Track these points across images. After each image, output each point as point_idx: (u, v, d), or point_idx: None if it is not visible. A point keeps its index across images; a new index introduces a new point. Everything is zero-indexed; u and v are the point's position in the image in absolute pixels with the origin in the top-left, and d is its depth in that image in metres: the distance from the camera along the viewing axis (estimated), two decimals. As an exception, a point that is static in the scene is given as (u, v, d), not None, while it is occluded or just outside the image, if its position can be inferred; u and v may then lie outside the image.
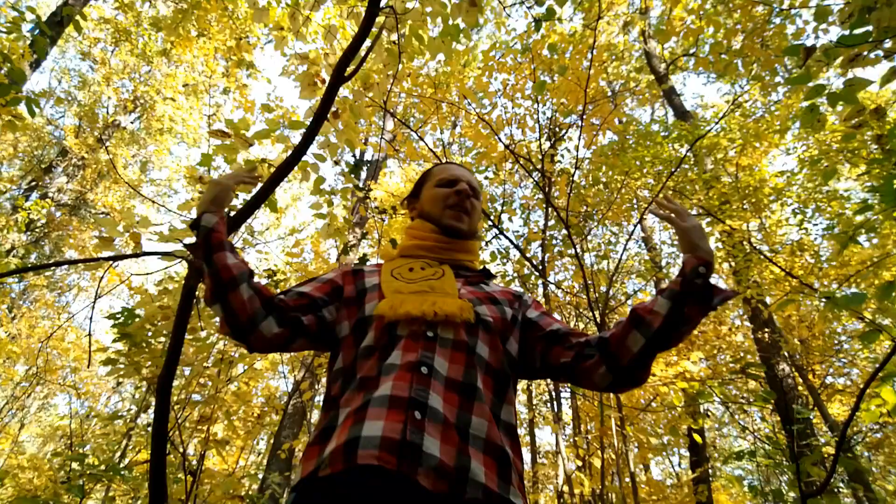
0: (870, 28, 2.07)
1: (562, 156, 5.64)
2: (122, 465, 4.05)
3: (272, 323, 0.90)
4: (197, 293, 2.25)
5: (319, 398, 6.29)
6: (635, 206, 6.12)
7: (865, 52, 2.11)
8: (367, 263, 1.13)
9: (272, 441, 6.91)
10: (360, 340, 0.87)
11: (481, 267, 1.14)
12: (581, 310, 5.65)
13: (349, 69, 2.00)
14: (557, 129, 5.67)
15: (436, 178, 1.16)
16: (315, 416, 6.38)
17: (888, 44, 2.11)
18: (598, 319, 4.20)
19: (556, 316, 1.08)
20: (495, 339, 0.89)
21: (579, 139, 4.37)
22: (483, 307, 0.92)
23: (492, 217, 4.60)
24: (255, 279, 0.95)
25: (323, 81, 2.26)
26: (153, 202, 5.02)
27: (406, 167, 9.10)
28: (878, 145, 5.25)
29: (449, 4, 2.17)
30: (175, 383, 2.57)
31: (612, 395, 3.87)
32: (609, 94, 7.12)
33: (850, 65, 2.13)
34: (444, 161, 1.40)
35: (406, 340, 0.83)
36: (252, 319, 0.89)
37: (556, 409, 5.79)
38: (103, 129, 11.21)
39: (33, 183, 10.90)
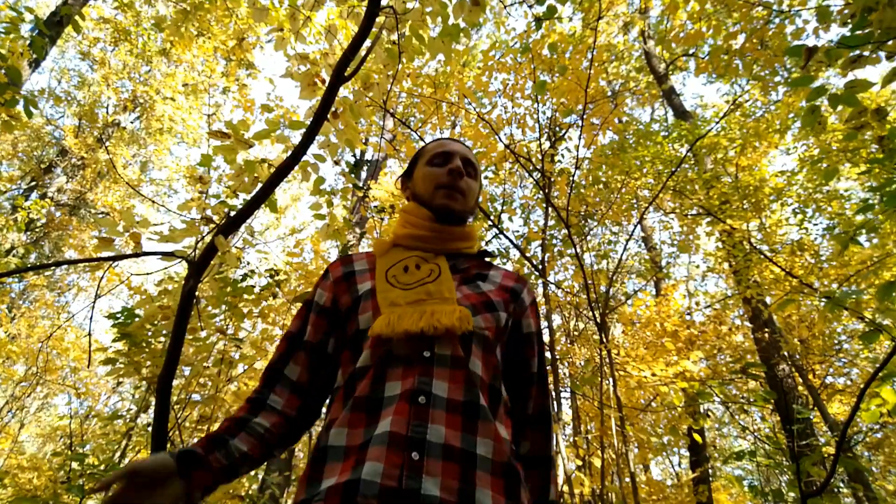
0: (875, 29, 2.07)
1: (562, 156, 5.64)
2: (122, 465, 4.04)
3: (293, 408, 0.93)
4: (197, 293, 2.25)
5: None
6: (635, 206, 6.12)
7: (867, 53, 2.10)
8: (355, 258, 1.05)
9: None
10: (356, 357, 0.85)
11: (479, 250, 1.08)
12: (581, 310, 5.65)
13: (349, 69, 1.99)
14: (557, 129, 5.67)
15: (428, 154, 1.09)
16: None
17: (890, 44, 2.11)
18: (598, 319, 4.20)
19: (539, 345, 1.05)
20: (489, 354, 0.86)
21: (579, 139, 4.37)
22: (479, 317, 0.87)
23: (492, 217, 4.60)
24: (220, 436, 0.85)
25: (323, 81, 2.26)
26: (153, 202, 5.02)
27: (406, 167, 9.08)
28: (879, 146, 5.25)
29: (450, 4, 2.17)
30: (175, 383, 2.57)
31: (611, 394, 3.87)
32: (609, 94, 7.11)
33: (852, 66, 2.12)
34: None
35: (403, 366, 0.80)
36: (280, 435, 0.91)
37: (556, 409, 5.79)
38: (103, 129, 11.21)
39: (33, 183, 10.90)
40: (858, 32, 2.09)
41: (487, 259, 1.09)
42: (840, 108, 2.11)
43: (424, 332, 0.80)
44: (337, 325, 0.95)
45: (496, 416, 0.82)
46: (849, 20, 2.35)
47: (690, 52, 7.10)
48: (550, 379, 4.73)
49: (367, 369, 0.82)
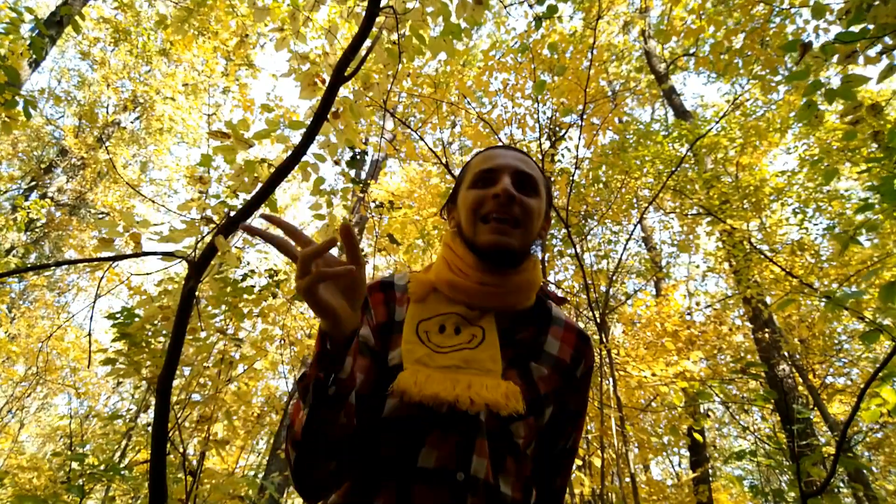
0: (867, 25, 2.07)
1: (562, 155, 5.63)
2: (122, 465, 4.04)
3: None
4: (197, 293, 2.25)
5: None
6: (635, 206, 6.12)
7: (862, 49, 2.11)
8: (396, 278, 0.87)
9: (272, 441, 6.91)
10: (383, 397, 0.72)
11: (535, 298, 0.84)
12: (581, 310, 5.65)
13: (349, 69, 1.99)
14: (557, 129, 5.67)
15: (471, 172, 0.85)
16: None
17: (888, 41, 2.11)
18: (598, 319, 4.19)
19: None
20: (521, 464, 0.74)
21: (579, 139, 4.37)
22: (520, 424, 0.72)
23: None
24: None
25: (323, 81, 2.26)
26: (153, 202, 5.02)
27: (406, 167, 9.09)
28: (875, 142, 5.25)
29: (452, 3, 2.17)
30: (175, 383, 2.57)
31: (612, 394, 3.87)
32: (609, 93, 7.11)
33: (847, 61, 2.13)
34: (484, 152, 0.92)
35: (436, 433, 0.68)
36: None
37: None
38: (103, 129, 11.21)
39: (33, 182, 10.90)
40: (854, 28, 2.09)
41: (547, 302, 0.87)
42: (838, 105, 2.11)
43: (459, 401, 0.65)
44: (376, 337, 0.79)
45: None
46: (843, 16, 2.36)
47: (691, 51, 7.10)
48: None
49: (393, 426, 0.71)
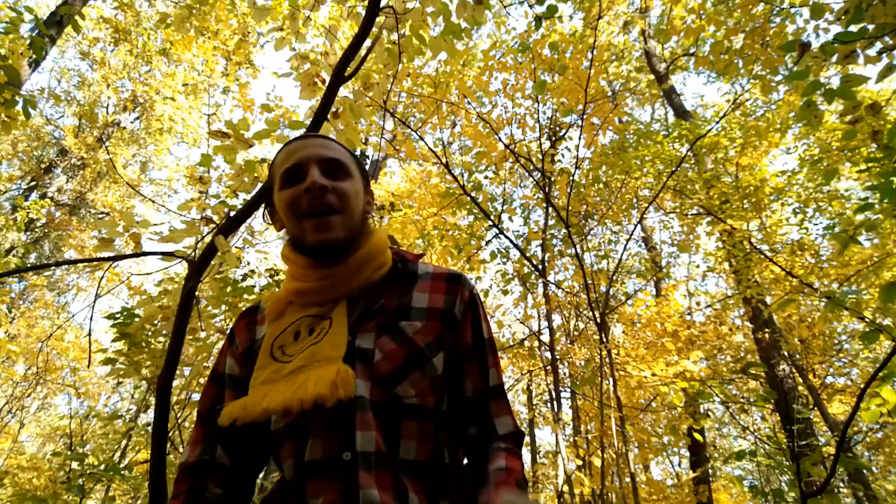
0: (866, 25, 2.07)
1: (562, 155, 5.64)
2: (122, 465, 4.04)
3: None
4: (197, 293, 2.25)
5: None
6: (635, 206, 6.12)
7: (861, 49, 2.11)
8: (262, 302, 0.89)
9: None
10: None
11: (392, 262, 0.85)
12: (581, 310, 5.65)
13: (349, 69, 1.99)
14: (557, 129, 5.67)
15: (278, 171, 0.82)
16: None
17: (888, 41, 2.11)
18: (598, 319, 4.19)
19: (481, 356, 0.83)
20: (427, 425, 0.74)
21: (579, 139, 4.37)
22: (407, 383, 0.72)
23: (492, 217, 4.60)
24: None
25: (323, 81, 2.26)
26: (153, 202, 5.02)
27: (406, 167, 9.09)
28: (874, 141, 5.25)
29: (452, 3, 2.17)
30: (175, 383, 2.57)
31: (612, 394, 3.87)
32: (609, 93, 7.11)
33: (845, 61, 2.13)
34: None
35: (317, 426, 0.70)
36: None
37: (556, 409, 5.79)
38: (103, 129, 11.20)
39: (33, 182, 10.90)
40: (852, 28, 2.09)
41: (406, 264, 0.86)
42: (838, 105, 2.12)
43: (290, 408, 0.66)
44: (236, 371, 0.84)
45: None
46: (842, 15, 2.36)
47: (691, 50, 7.10)
48: (550, 379, 4.73)
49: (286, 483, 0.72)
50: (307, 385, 0.67)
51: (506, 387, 0.88)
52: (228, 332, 0.88)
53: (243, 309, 3.09)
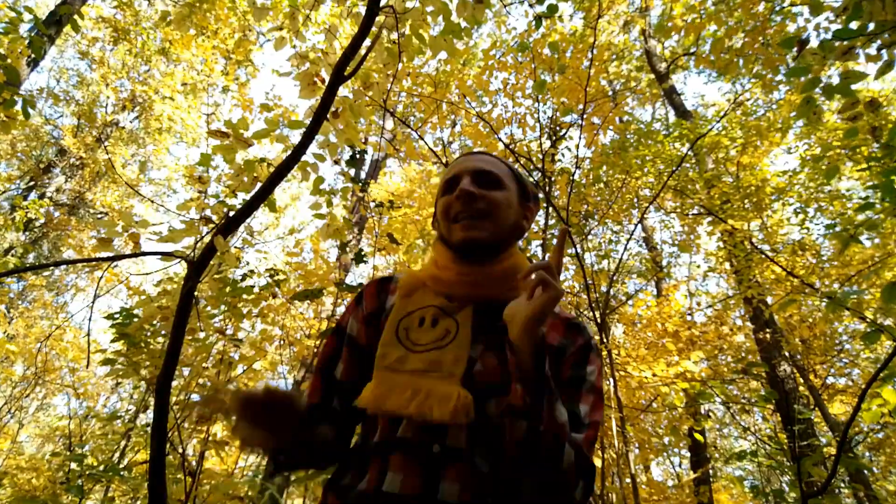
0: (865, 23, 2.06)
1: (562, 155, 5.63)
2: (121, 466, 4.03)
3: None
4: (196, 293, 2.24)
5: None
6: (636, 206, 6.11)
7: (860, 46, 2.10)
8: (397, 275, 0.95)
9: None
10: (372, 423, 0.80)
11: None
12: (581, 310, 5.64)
13: (349, 68, 1.98)
14: (558, 129, 5.66)
15: (440, 184, 0.94)
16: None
17: (887, 37, 2.10)
18: (599, 319, 4.19)
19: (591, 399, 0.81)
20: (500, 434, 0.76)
21: (580, 138, 4.36)
22: (494, 402, 0.74)
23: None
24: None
25: (323, 81, 2.25)
26: (152, 202, 5.01)
27: (406, 167, 9.09)
28: (873, 138, 5.25)
29: (452, 2, 2.16)
30: (174, 384, 2.56)
31: (612, 394, 3.86)
32: (609, 93, 7.10)
33: (844, 58, 2.12)
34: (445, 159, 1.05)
35: (402, 456, 0.72)
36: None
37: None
38: (102, 129, 11.19)
39: (31, 182, 10.88)
40: (851, 25, 2.08)
41: None
42: (836, 103, 2.11)
43: (413, 418, 0.71)
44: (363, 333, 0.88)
45: None
46: (841, 13, 2.35)
47: (691, 50, 7.09)
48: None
49: (369, 432, 0.77)
50: (430, 402, 0.71)
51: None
52: (356, 295, 0.94)
53: (244, 309, 3.08)
